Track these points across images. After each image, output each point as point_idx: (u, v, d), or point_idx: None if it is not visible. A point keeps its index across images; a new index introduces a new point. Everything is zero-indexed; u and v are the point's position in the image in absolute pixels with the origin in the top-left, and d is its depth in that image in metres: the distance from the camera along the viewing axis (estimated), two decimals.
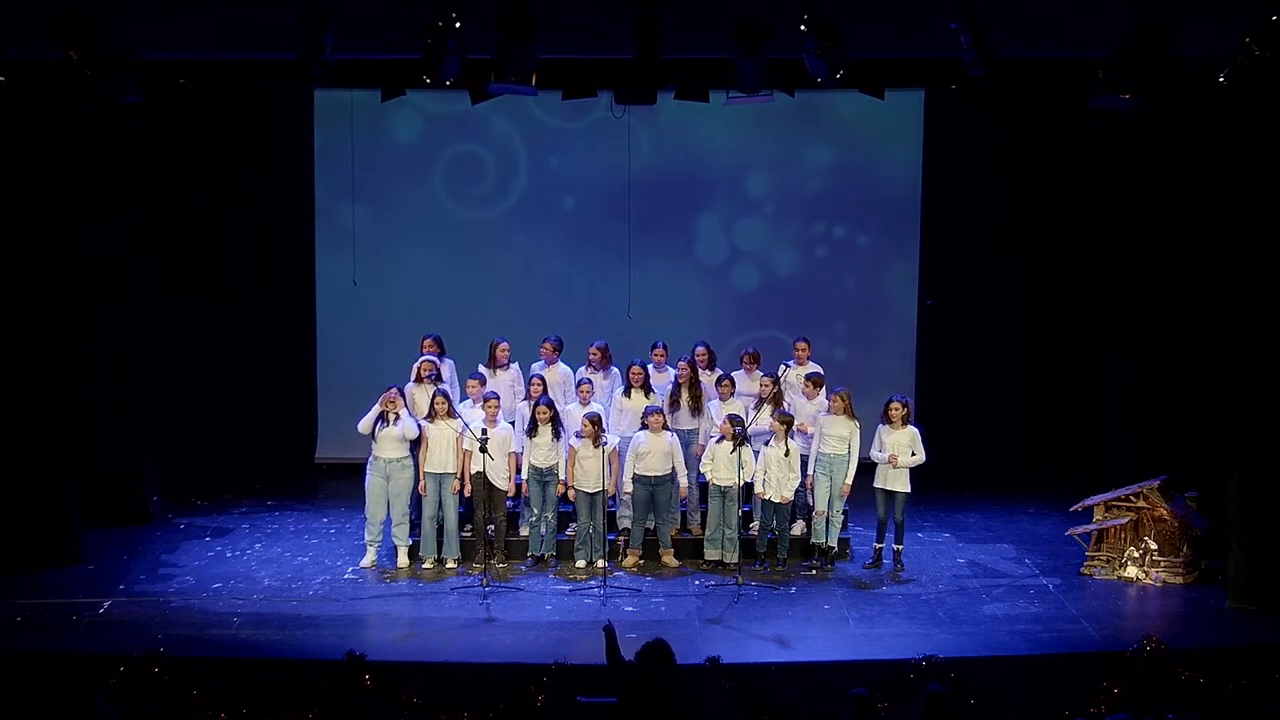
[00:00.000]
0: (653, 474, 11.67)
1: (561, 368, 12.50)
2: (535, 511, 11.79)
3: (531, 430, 11.70)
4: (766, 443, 11.60)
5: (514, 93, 10.61)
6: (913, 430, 11.77)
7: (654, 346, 12.53)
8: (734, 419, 11.51)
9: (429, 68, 10.45)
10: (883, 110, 13.24)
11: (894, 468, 11.64)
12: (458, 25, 9.91)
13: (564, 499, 12.05)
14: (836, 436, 11.69)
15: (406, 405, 11.77)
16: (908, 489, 11.73)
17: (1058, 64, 11.20)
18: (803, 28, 10.07)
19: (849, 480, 11.76)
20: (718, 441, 11.60)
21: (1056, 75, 11.39)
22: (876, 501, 11.82)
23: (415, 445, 11.76)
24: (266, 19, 10.16)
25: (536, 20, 10.01)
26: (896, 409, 11.71)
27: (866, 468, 11.89)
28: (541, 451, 11.68)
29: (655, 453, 11.63)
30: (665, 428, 11.70)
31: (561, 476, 11.76)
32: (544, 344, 12.50)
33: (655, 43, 10.40)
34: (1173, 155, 13.37)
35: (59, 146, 12.19)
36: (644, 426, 11.69)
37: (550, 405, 11.75)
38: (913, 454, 11.72)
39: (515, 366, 12.48)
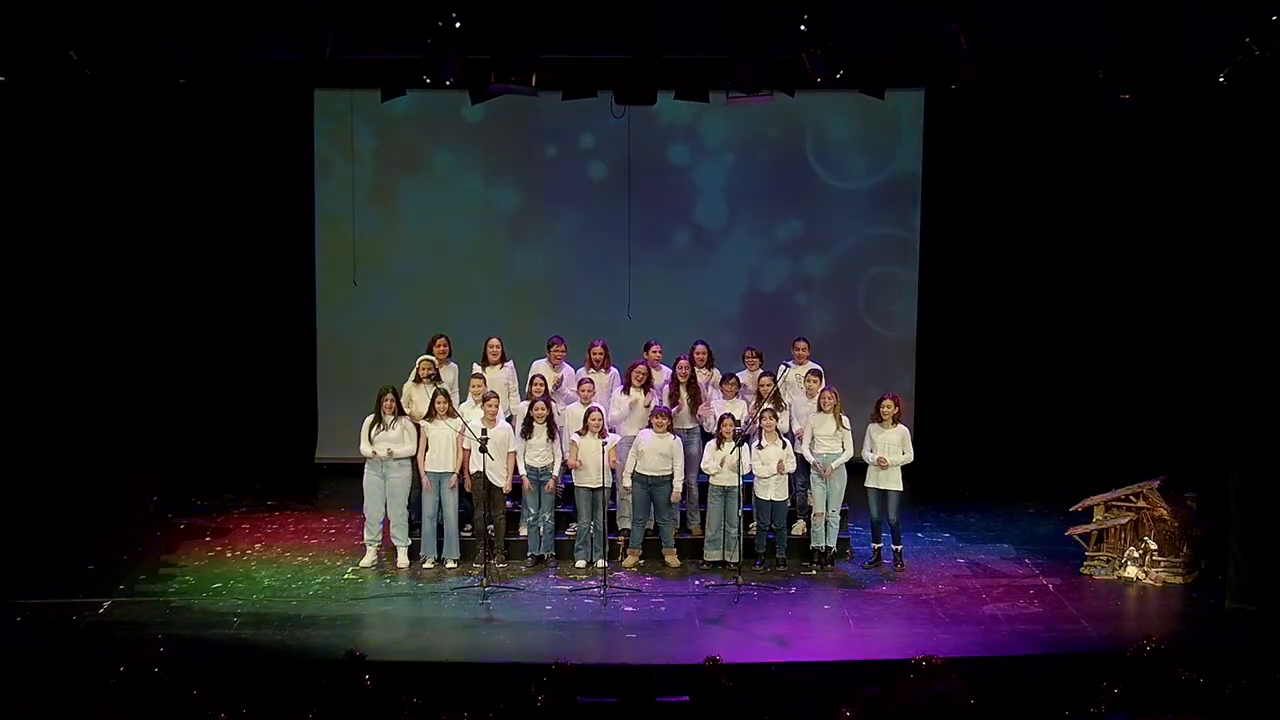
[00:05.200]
0: (650, 473, 11.67)
1: (566, 368, 12.49)
2: (532, 511, 11.80)
3: (526, 430, 11.70)
4: (759, 445, 11.57)
5: (514, 93, 10.63)
6: (903, 429, 11.77)
7: (648, 346, 12.52)
8: (731, 418, 11.54)
9: (429, 68, 10.46)
10: (883, 110, 13.26)
11: (883, 469, 11.63)
12: (458, 25, 9.92)
13: (564, 497, 12.06)
14: (826, 435, 11.68)
15: (401, 404, 11.76)
16: (900, 488, 11.73)
17: (1058, 64, 11.20)
18: (803, 28, 10.07)
19: (839, 465, 11.71)
20: (718, 445, 11.60)
21: (1056, 75, 11.39)
22: (869, 502, 11.81)
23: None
24: (267, 19, 10.16)
25: (536, 20, 10.02)
26: (888, 407, 11.71)
27: (861, 467, 11.88)
28: (536, 451, 11.67)
29: (654, 452, 11.63)
30: (669, 430, 11.70)
31: (555, 473, 11.73)
32: (558, 345, 12.47)
33: (655, 43, 10.41)
34: (1173, 155, 13.37)
35: (59, 146, 12.20)
36: (649, 425, 11.70)
37: (547, 404, 11.74)
38: (903, 453, 11.71)
39: (510, 364, 12.47)
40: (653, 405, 11.90)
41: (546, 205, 14.99)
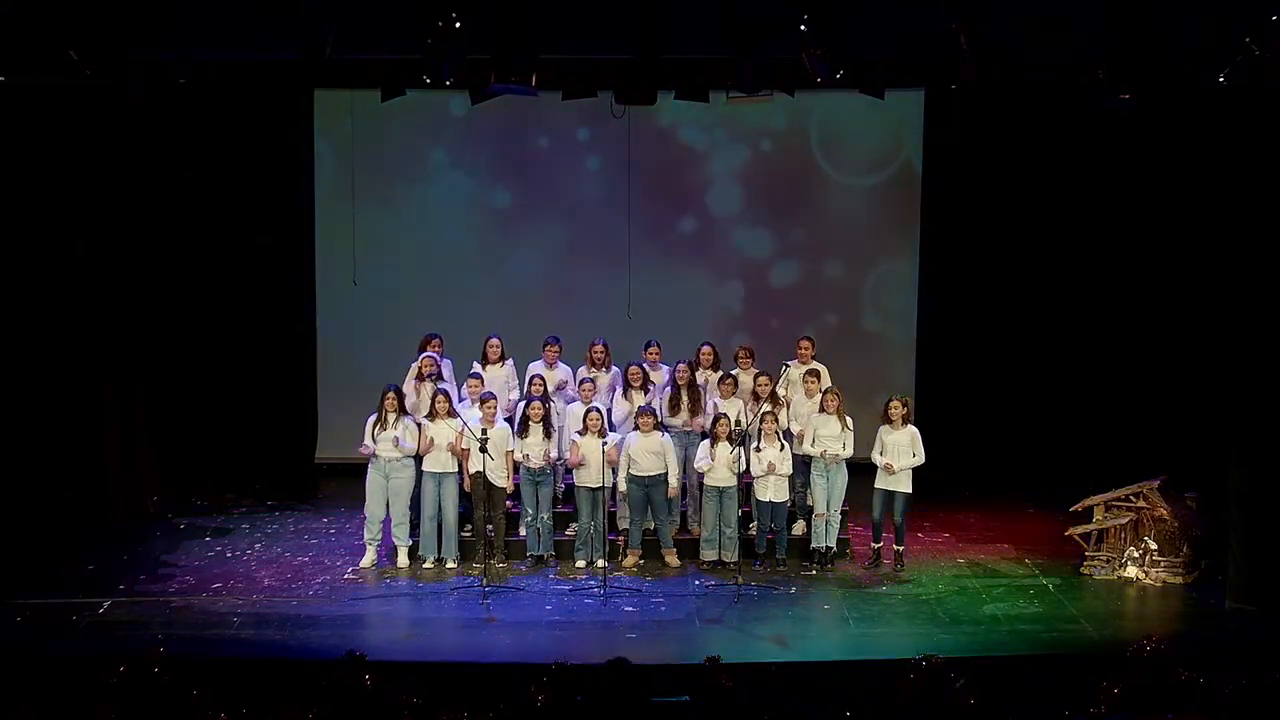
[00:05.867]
0: (646, 474, 11.66)
1: (562, 368, 12.50)
2: (530, 512, 11.80)
3: (522, 430, 11.69)
4: (758, 447, 11.56)
5: (514, 93, 10.62)
6: (913, 430, 11.74)
7: (647, 346, 12.53)
8: (724, 418, 11.55)
9: (429, 68, 10.46)
10: (883, 110, 13.25)
11: (890, 474, 11.62)
12: (458, 25, 9.92)
13: (564, 497, 12.07)
14: (829, 436, 11.68)
15: (404, 404, 11.76)
16: (909, 489, 11.71)
17: (1058, 64, 11.19)
18: (803, 28, 10.07)
19: (837, 454, 11.69)
20: (713, 444, 11.59)
21: (1056, 75, 11.39)
22: (874, 502, 11.79)
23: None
24: (267, 19, 10.16)
25: (536, 20, 10.02)
26: (896, 408, 11.70)
27: (866, 468, 11.88)
28: (532, 451, 11.66)
29: (644, 452, 11.62)
30: (656, 428, 11.69)
31: (553, 455, 11.72)
32: (552, 345, 12.48)
33: (655, 43, 10.41)
34: (1173, 155, 13.37)
35: (59, 146, 12.20)
36: (636, 427, 11.70)
37: (544, 404, 11.74)
38: (913, 454, 11.70)
39: (510, 363, 12.47)
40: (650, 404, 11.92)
41: (547, 204, 14.98)
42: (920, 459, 11.70)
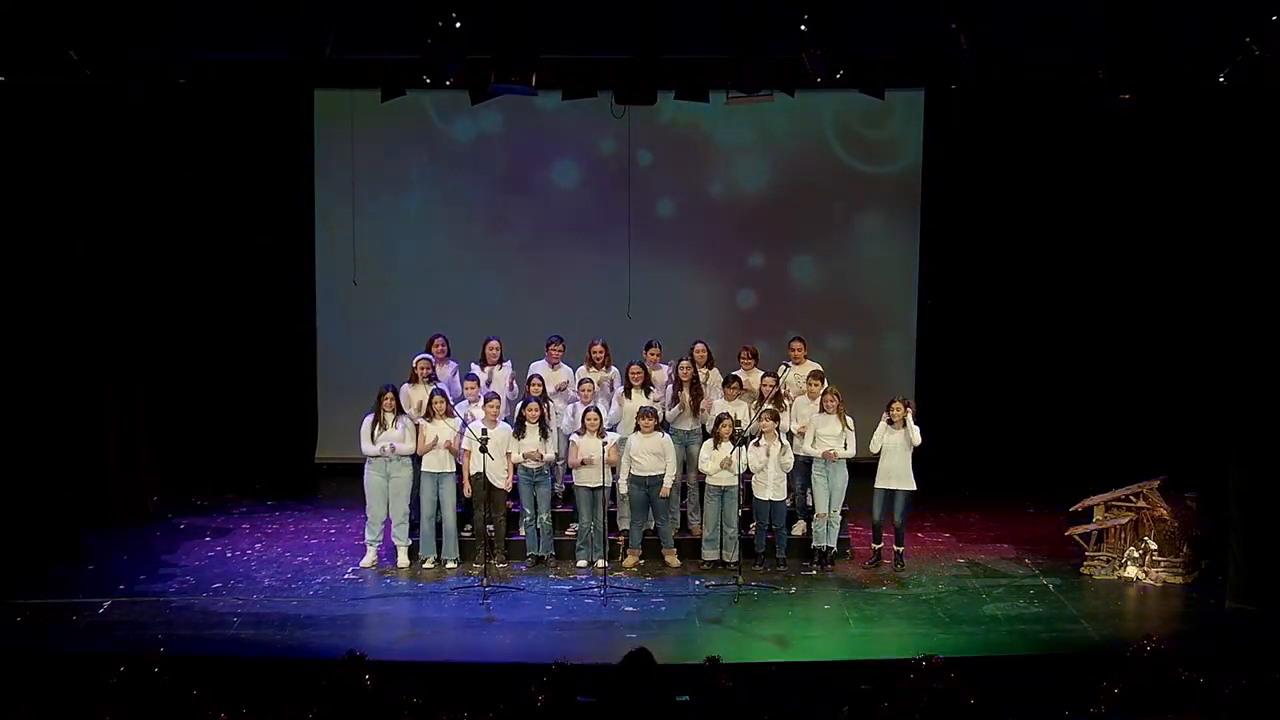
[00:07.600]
0: (646, 474, 11.66)
1: (564, 368, 12.50)
2: (529, 512, 11.79)
3: (519, 430, 11.69)
4: (758, 444, 11.56)
5: (514, 93, 10.63)
6: (910, 433, 11.72)
7: (648, 346, 12.53)
8: (728, 418, 11.54)
9: (429, 68, 10.46)
10: (883, 110, 13.25)
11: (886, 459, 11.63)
12: (458, 25, 9.92)
13: (564, 497, 12.08)
14: (830, 435, 11.67)
15: (401, 404, 11.76)
16: (908, 488, 11.69)
17: (1058, 64, 11.20)
18: (803, 28, 10.07)
19: (838, 451, 11.67)
20: (715, 444, 11.59)
21: (1056, 75, 11.39)
22: (874, 503, 11.78)
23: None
24: (267, 19, 10.16)
25: (536, 20, 10.02)
26: (898, 409, 11.69)
27: (866, 468, 11.87)
28: (529, 451, 11.65)
29: (645, 452, 11.62)
30: (658, 429, 11.68)
31: (549, 455, 11.72)
32: (556, 345, 12.49)
33: (655, 43, 10.41)
34: (1173, 155, 13.37)
35: (59, 146, 12.20)
36: (637, 428, 11.69)
37: (540, 404, 11.74)
38: (908, 458, 11.68)
39: (509, 365, 12.47)
40: (654, 405, 11.93)
41: (546, 203, 14.98)
42: (917, 441, 11.67)
